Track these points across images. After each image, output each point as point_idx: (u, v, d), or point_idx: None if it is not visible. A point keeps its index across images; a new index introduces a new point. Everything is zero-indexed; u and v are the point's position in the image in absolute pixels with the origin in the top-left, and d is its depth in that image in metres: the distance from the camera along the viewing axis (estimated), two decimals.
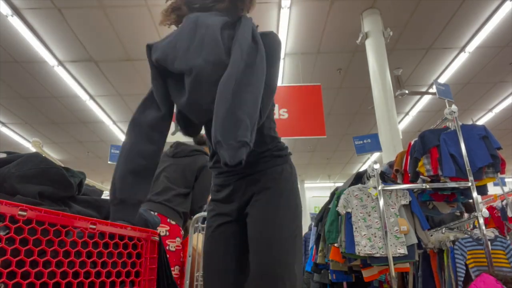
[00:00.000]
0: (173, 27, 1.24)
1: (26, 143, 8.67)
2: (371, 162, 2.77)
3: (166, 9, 1.21)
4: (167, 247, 1.94)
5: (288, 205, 1.12)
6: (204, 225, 2.24)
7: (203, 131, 1.26)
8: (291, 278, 1.01)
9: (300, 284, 1.05)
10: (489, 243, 2.30)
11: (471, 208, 2.89)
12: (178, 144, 2.29)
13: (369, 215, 2.51)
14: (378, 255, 2.35)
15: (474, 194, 2.46)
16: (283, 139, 1.28)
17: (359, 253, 2.36)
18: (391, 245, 2.36)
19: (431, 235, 2.64)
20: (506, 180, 7.28)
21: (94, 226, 0.89)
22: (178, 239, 2.03)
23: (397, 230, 2.41)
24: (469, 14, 5.04)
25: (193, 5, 1.15)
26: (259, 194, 1.13)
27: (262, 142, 1.14)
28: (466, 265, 2.33)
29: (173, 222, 2.00)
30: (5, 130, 8.00)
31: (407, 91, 5.97)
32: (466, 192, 2.62)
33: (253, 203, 1.13)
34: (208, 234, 1.18)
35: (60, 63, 5.76)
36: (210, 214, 1.21)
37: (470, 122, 2.93)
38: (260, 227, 1.08)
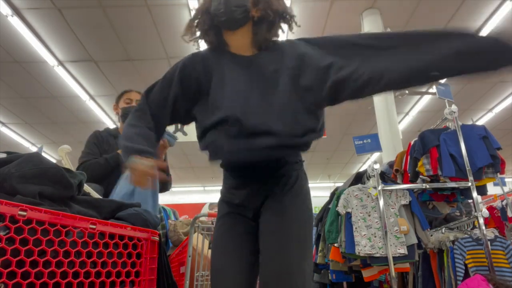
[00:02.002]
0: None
1: (26, 143, 8.66)
2: (371, 162, 2.77)
3: (189, 24, 1.25)
4: None
5: (303, 209, 1.14)
6: (204, 225, 2.23)
7: None
8: (305, 283, 1.03)
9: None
10: (488, 243, 2.29)
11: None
12: None
13: (369, 215, 2.51)
14: (378, 255, 2.35)
15: (474, 194, 2.46)
16: None
17: (359, 253, 2.36)
18: (391, 245, 2.36)
19: (431, 235, 2.64)
20: (506, 180, 7.27)
21: (94, 226, 0.89)
22: None
23: (397, 230, 2.41)
24: (469, 14, 5.03)
25: (219, 18, 1.16)
26: (274, 197, 1.14)
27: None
28: (465, 265, 2.33)
29: None
30: (5, 130, 7.99)
31: (407, 91, 5.95)
32: (466, 192, 2.62)
33: (268, 206, 1.14)
34: (221, 232, 1.17)
35: (60, 63, 5.75)
36: (222, 212, 1.20)
37: (470, 122, 2.92)
38: (275, 231, 1.09)
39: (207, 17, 1.20)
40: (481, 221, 2.36)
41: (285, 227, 1.08)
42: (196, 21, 1.23)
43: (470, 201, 2.85)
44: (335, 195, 2.73)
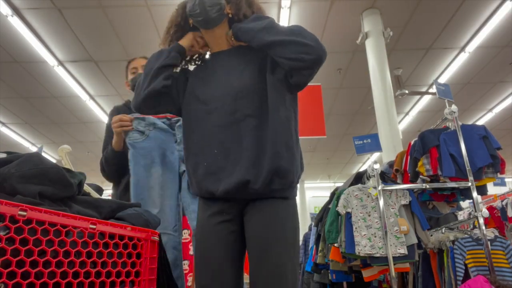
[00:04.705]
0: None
1: (26, 143, 8.66)
2: (371, 162, 2.76)
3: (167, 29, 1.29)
4: None
5: (289, 209, 1.14)
6: None
7: None
8: (294, 280, 1.06)
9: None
10: (488, 243, 2.29)
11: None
12: None
13: (369, 215, 2.51)
14: (378, 255, 2.35)
15: (474, 194, 2.45)
16: None
17: (359, 253, 2.36)
18: (391, 245, 2.36)
19: (431, 235, 2.64)
20: (506, 180, 7.28)
21: (94, 226, 0.89)
22: (185, 230, 1.98)
23: (397, 230, 2.41)
24: (469, 14, 5.03)
25: (196, 18, 1.20)
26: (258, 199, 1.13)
27: None
28: (465, 265, 2.33)
29: None
30: (5, 130, 7.99)
31: (407, 91, 5.96)
32: (466, 192, 2.62)
33: (252, 205, 1.13)
34: (206, 231, 1.16)
35: (60, 63, 5.75)
36: (207, 212, 1.18)
37: (473, 120, 2.92)
38: (262, 231, 1.09)
39: (180, 29, 1.28)
40: (481, 221, 2.36)
41: (273, 227, 1.09)
42: (172, 32, 1.27)
43: (470, 201, 2.85)
44: (335, 195, 2.73)
